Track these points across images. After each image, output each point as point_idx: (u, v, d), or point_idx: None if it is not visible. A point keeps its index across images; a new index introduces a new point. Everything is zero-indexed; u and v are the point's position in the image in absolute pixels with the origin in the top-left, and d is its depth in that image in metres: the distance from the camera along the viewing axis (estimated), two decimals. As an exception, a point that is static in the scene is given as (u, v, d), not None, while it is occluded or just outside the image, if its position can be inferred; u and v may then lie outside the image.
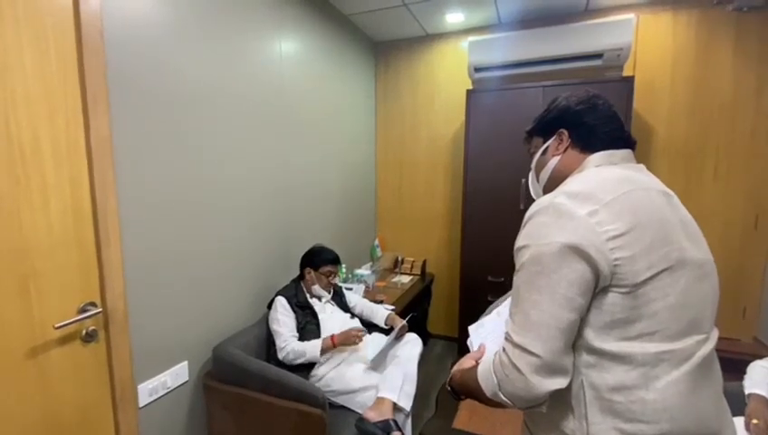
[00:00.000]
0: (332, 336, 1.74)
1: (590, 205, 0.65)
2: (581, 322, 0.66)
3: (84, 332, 1.22)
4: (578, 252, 0.63)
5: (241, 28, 1.79)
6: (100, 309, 1.24)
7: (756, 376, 1.39)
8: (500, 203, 2.55)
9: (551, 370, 0.64)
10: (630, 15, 2.34)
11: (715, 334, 0.71)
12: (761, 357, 1.48)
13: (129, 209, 1.33)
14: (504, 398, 0.68)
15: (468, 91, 2.60)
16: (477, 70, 2.69)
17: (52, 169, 1.12)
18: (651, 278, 0.63)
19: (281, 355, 1.71)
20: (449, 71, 2.99)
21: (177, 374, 1.55)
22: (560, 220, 0.66)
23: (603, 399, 0.65)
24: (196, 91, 1.57)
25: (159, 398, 1.48)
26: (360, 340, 1.75)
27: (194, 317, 1.61)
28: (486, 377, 0.71)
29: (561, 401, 0.69)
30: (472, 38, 2.68)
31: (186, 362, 1.59)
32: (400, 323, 1.92)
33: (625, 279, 0.63)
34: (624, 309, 0.64)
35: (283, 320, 1.78)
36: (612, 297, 0.64)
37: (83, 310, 1.20)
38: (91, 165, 1.20)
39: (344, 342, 1.73)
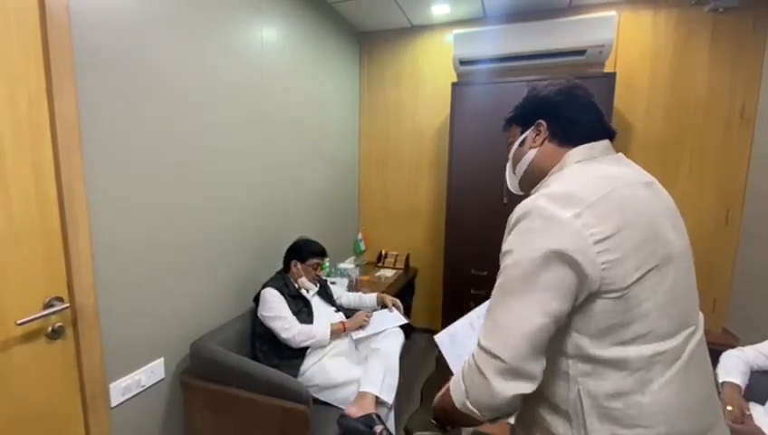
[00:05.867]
0: (342, 322, 1.84)
1: (575, 207, 0.63)
2: (576, 332, 0.65)
3: (50, 329, 1.14)
4: (562, 256, 0.61)
5: (220, 12, 1.71)
6: (68, 304, 1.16)
7: (729, 365, 1.44)
8: (484, 197, 2.55)
9: (515, 374, 0.62)
10: (612, 13, 2.37)
11: (701, 322, 0.71)
12: (730, 347, 1.54)
13: (100, 198, 1.25)
14: (471, 407, 0.66)
15: (453, 85, 2.59)
16: (462, 63, 2.68)
17: (13, 155, 1.04)
18: (640, 279, 0.62)
19: (287, 335, 1.69)
20: (434, 63, 2.97)
21: (153, 372, 1.49)
22: (544, 225, 0.64)
23: (601, 406, 0.64)
24: (173, 77, 1.49)
25: (133, 397, 1.42)
26: (367, 321, 1.89)
27: (170, 312, 1.55)
28: (456, 387, 0.69)
29: (557, 410, 0.68)
30: (457, 31, 2.67)
31: (161, 359, 1.53)
32: (391, 299, 2.08)
33: (614, 283, 0.61)
34: (617, 313, 0.63)
35: (280, 306, 1.75)
36: (603, 304, 0.63)
37: (49, 305, 1.13)
38: (56, 150, 1.12)
39: (353, 326, 1.86)
